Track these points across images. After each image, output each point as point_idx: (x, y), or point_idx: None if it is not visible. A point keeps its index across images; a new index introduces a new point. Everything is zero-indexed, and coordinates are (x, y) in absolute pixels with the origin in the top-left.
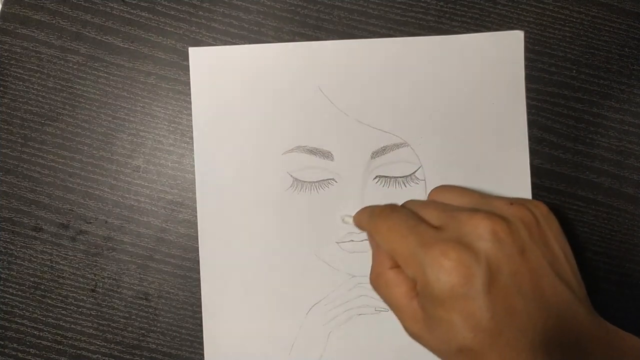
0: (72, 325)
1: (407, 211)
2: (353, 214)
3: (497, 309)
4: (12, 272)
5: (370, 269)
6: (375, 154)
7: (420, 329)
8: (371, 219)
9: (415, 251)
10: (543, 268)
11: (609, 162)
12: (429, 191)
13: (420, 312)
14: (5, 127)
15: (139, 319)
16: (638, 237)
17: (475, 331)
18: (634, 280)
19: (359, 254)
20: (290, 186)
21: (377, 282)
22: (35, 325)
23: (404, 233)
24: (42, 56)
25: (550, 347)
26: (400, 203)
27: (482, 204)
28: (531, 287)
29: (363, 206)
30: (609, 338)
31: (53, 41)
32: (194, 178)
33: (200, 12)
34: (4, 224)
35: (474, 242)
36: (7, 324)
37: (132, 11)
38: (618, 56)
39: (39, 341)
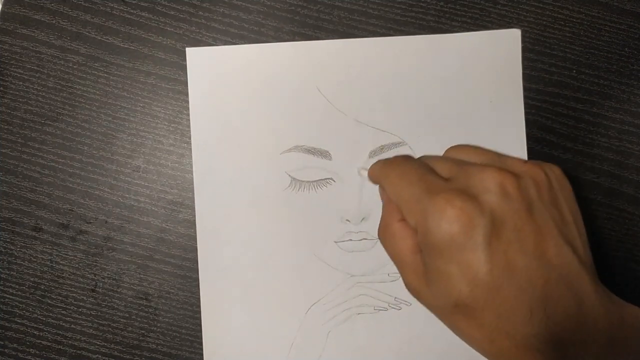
0: (72, 325)
1: (419, 161)
2: (353, 211)
3: (496, 263)
4: (12, 272)
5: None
6: (373, 153)
7: (419, 284)
8: (383, 167)
9: (420, 198)
10: (549, 228)
11: (609, 162)
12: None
13: (422, 267)
14: (5, 127)
15: (139, 319)
16: (638, 237)
17: (472, 285)
18: (635, 280)
19: (358, 253)
20: (289, 186)
21: (384, 234)
22: (35, 325)
23: (412, 180)
24: (42, 56)
25: (550, 308)
26: None
27: (496, 161)
28: (534, 246)
29: (361, 205)
30: (612, 306)
31: (53, 41)
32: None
33: (200, 12)
34: (4, 224)
35: (481, 194)
36: (7, 324)
37: (132, 11)
38: (618, 56)
39: (39, 341)
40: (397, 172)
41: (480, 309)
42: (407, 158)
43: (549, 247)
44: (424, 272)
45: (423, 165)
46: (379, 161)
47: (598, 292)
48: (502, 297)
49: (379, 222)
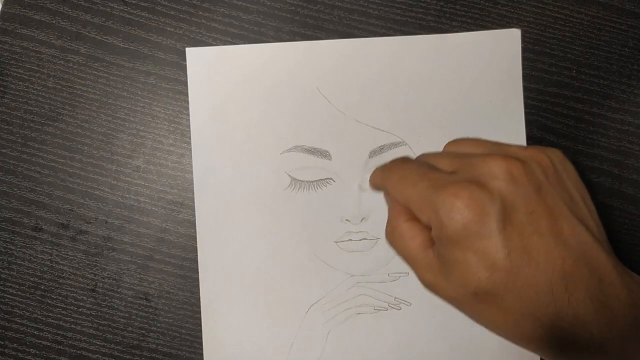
0: (72, 325)
1: (418, 160)
2: (353, 211)
3: (513, 247)
4: (12, 272)
5: (384, 229)
6: (373, 153)
7: (435, 278)
8: (383, 173)
9: (427, 195)
10: (560, 208)
11: (609, 162)
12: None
13: (436, 261)
14: (5, 127)
15: (139, 319)
16: (638, 237)
17: (491, 270)
18: None
19: (358, 253)
20: (289, 186)
21: (392, 235)
22: (35, 325)
23: (416, 180)
24: (42, 56)
25: (571, 286)
26: None
27: (497, 150)
28: (548, 226)
29: (361, 205)
30: (633, 283)
31: (53, 41)
32: None
33: (200, 12)
34: (4, 224)
35: (488, 181)
36: (7, 324)
37: (132, 11)
38: (618, 56)
39: (39, 341)
40: (399, 174)
41: (502, 294)
42: (405, 160)
43: (563, 227)
44: (439, 266)
45: (422, 164)
46: (376, 169)
47: (617, 268)
48: (522, 279)
49: (378, 222)
